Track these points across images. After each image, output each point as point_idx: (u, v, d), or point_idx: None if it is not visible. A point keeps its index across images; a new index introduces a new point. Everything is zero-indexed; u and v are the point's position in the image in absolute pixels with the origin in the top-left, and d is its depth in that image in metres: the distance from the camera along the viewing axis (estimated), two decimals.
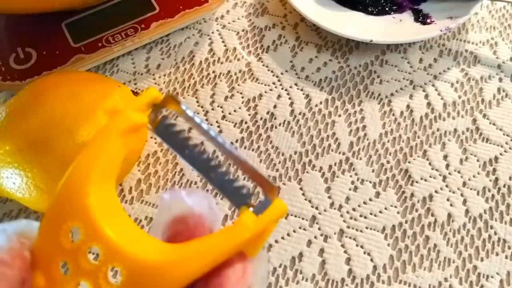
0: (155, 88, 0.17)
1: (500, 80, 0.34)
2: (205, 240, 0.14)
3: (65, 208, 0.14)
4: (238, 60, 0.36)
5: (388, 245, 0.29)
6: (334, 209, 0.30)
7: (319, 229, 0.29)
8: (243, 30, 0.37)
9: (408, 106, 0.33)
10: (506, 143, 0.32)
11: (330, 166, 0.31)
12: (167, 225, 0.15)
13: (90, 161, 0.14)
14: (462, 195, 0.30)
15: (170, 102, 0.15)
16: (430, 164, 0.31)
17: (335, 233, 0.29)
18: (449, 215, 0.30)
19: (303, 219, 0.30)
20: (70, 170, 0.14)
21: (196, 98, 0.34)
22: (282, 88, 0.34)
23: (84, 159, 0.14)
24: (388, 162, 0.31)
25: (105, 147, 0.14)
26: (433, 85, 0.34)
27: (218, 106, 0.34)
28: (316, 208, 0.30)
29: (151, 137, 0.33)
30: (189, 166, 0.15)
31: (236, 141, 0.32)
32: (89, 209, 0.13)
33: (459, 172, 0.31)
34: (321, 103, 0.34)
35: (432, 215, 0.30)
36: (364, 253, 0.29)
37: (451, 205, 0.30)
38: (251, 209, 0.14)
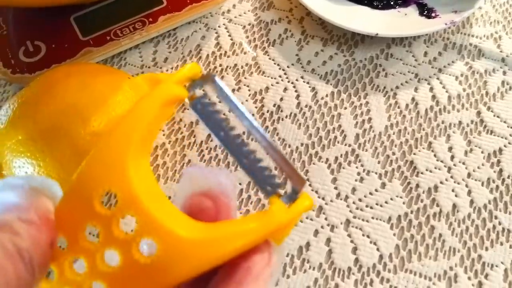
0: (198, 64, 0.17)
1: (504, 73, 0.35)
2: (238, 224, 0.14)
3: (102, 172, 0.13)
4: (245, 53, 0.36)
5: (394, 234, 0.29)
6: (341, 199, 0.30)
7: (325, 219, 0.30)
8: (249, 24, 0.38)
9: (413, 99, 0.34)
10: (510, 135, 0.32)
11: (336, 158, 0.32)
12: (191, 198, 0.15)
13: (131, 128, 0.14)
14: (466, 186, 0.31)
15: (209, 79, 0.15)
16: (435, 155, 0.32)
17: (341, 223, 0.30)
18: (454, 206, 0.30)
19: None
20: (110, 134, 0.14)
21: (203, 91, 0.35)
22: (289, 81, 0.35)
23: (126, 125, 0.14)
24: (393, 153, 0.32)
25: (146, 116, 0.14)
26: (437, 78, 0.35)
27: None
28: (323, 198, 0.30)
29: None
30: (223, 147, 0.15)
31: (244, 133, 0.33)
32: (129, 177, 0.13)
33: (463, 163, 0.31)
34: (327, 96, 0.34)
35: (437, 205, 0.30)
36: (370, 242, 0.29)
37: (456, 195, 0.30)
38: (281, 199, 0.14)
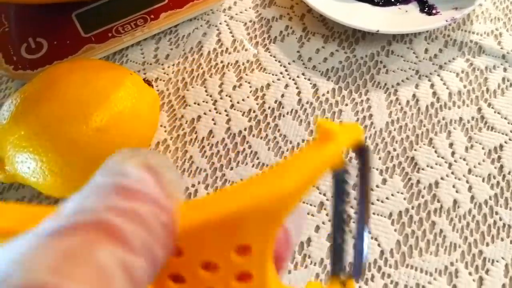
0: (361, 128, 0.17)
1: (505, 70, 0.35)
2: None
3: (255, 224, 0.12)
4: (246, 50, 0.36)
5: (395, 230, 0.29)
6: None
7: (327, 215, 0.30)
8: (250, 21, 0.38)
9: (414, 96, 0.34)
10: (511, 131, 0.32)
11: None
12: None
13: (295, 190, 0.12)
14: (467, 181, 0.31)
15: (365, 153, 0.15)
16: (436, 151, 0.32)
17: None
18: (455, 201, 0.30)
19: (311, 205, 0.30)
20: (276, 183, 0.12)
21: (204, 87, 0.35)
22: (290, 78, 0.35)
23: (291, 184, 0.12)
24: (394, 150, 0.32)
25: (310, 181, 0.13)
26: (438, 75, 0.35)
27: (226, 95, 0.34)
28: (324, 194, 0.30)
29: (161, 125, 0.33)
30: (332, 215, 0.15)
31: (245, 129, 0.33)
32: (271, 240, 0.12)
33: (464, 159, 0.31)
34: (328, 92, 0.34)
35: (438, 201, 0.30)
36: (372, 238, 0.29)
37: (456, 191, 0.30)
38: (340, 282, 0.15)
